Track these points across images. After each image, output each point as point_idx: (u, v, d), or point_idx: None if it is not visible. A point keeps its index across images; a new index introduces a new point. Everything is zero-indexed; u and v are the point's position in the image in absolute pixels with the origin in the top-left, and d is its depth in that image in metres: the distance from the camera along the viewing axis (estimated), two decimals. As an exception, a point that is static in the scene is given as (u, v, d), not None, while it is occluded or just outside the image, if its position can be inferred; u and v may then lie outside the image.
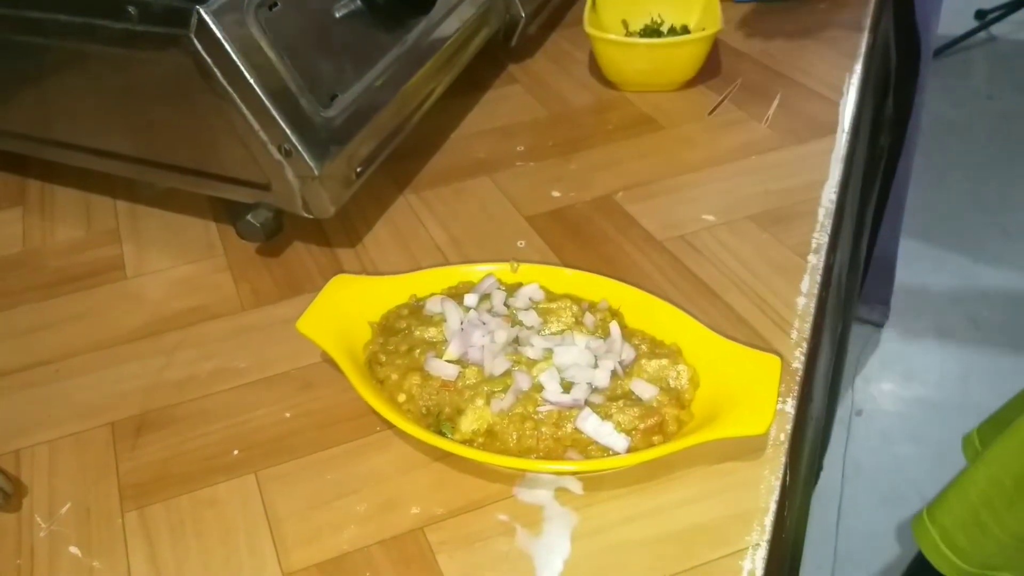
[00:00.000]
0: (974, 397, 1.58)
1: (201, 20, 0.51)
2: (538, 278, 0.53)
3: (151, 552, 0.43)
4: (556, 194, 0.66)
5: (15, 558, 0.44)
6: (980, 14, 2.60)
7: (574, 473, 0.44)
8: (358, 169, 0.59)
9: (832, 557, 1.34)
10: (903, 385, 1.62)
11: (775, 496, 0.44)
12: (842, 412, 1.55)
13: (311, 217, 0.58)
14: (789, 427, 0.47)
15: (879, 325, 1.70)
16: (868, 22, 0.86)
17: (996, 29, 2.61)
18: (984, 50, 2.58)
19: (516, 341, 0.48)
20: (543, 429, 0.44)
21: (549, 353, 0.47)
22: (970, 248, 1.87)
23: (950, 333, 1.70)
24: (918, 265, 1.81)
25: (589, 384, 0.46)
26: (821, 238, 0.60)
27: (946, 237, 1.89)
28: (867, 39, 0.83)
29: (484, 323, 0.49)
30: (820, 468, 1.27)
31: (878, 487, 1.45)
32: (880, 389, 1.62)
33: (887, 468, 1.48)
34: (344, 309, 0.51)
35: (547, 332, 0.49)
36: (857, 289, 1.28)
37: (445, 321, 0.49)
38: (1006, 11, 2.56)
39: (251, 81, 0.52)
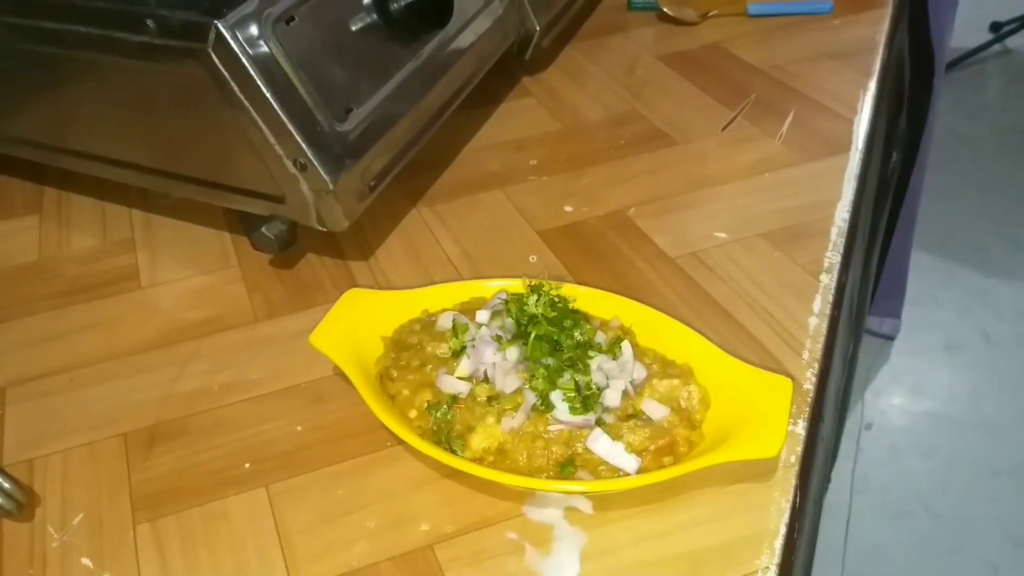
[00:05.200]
0: (984, 412, 1.57)
1: (219, 34, 0.51)
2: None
3: (162, 564, 0.44)
4: (568, 209, 0.67)
5: (27, 568, 0.44)
6: (995, 26, 2.59)
7: (584, 493, 0.44)
8: (372, 183, 0.59)
9: (840, 571, 1.33)
10: (913, 399, 1.61)
11: (785, 518, 0.44)
12: (851, 425, 1.54)
13: (325, 230, 0.58)
14: (800, 449, 0.47)
15: (890, 338, 1.69)
16: (883, 38, 0.86)
17: (1011, 42, 2.60)
18: (999, 63, 2.58)
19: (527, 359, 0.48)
20: (553, 448, 0.44)
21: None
22: (982, 262, 1.86)
23: (961, 347, 1.69)
24: (929, 278, 1.80)
25: (600, 403, 0.46)
26: (833, 257, 0.60)
27: (958, 250, 1.88)
28: (882, 56, 0.83)
29: (496, 340, 0.49)
30: (828, 481, 1.26)
31: (887, 501, 1.44)
32: (890, 403, 1.61)
33: (896, 482, 1.47)
34: (356, 323, 0.51)
35: (558, 350, 0.49)
36: (868, 304, 1.28)
37: (456, 337, 0.49)
38: (1022, 24, 2.55)
39: (267, 95, 0.53)
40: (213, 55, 0.52)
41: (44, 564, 0.44)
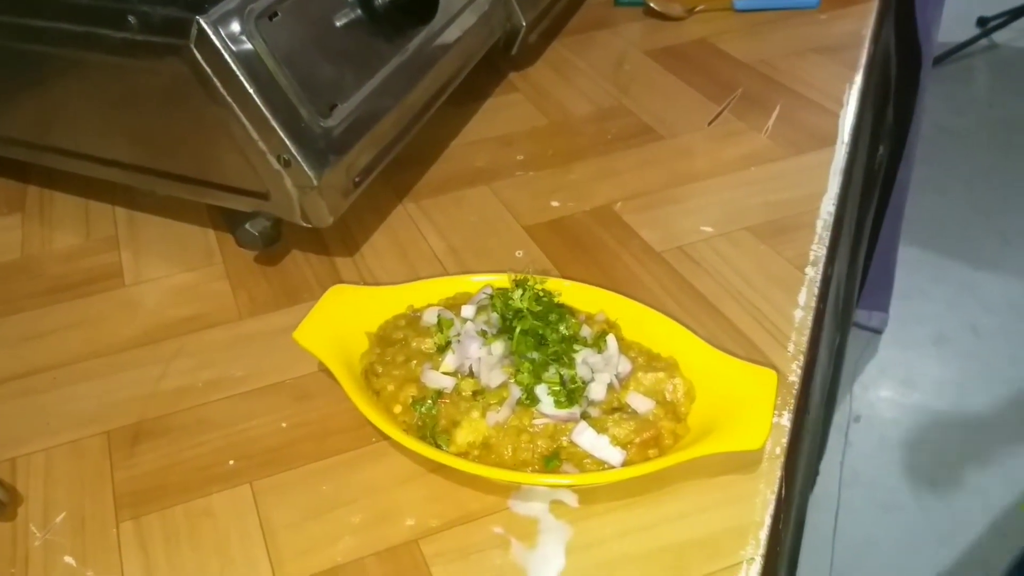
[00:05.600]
0: (972, 404, 1.58)
1: (201, 30, 0.51)
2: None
3: (146, 562, 0.43)
4: (555, 204, 0.66)
5: (9, 567, 0.44)
6: (982, 21, 2.60)
7: (569, 486, 0.44)
8: (357, 178, 0.59)
9: (829, 565, 1.34)
10: (901, 392, 1.62)
11: (770, 510, 0.44)
12: (840, 419, 1.55)
13: (310, 226, 0.58)
14: (785, 440, 0.47)
15: (878, 332, 1.70)
16: (869, 32, 0.86)
17: (998, 36, 2.61)
18: (986, 57, 2.59)
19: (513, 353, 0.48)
20: (538, 442, 0.44)
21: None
22: (970, 255, 1.87)
23: (949, 340, 1.70)
24: (917, 272, 1.81)
25: (585, 397, 0.46)
26: (819, 250, 0.60)
27: (946, 244, 1.89)
28: (868, 50, 0.83)
29: (481, 335, 0.49)
30: (816, 474, 1.27)
31: (876, 494, 1.45)
32: (878, 396, 1.62)
33: (885, 475, 1.48)
34: (341, 319, 0.51)
35: (544, 344, 0.49)
36: (855, 297, 1.28)
37: (441, 332, 0.49)
38: (1008, 19, 2.56)
39: (250, 91, 0.52)
40: (195, 51, 0.52)
41: (27, 563, 0.44)
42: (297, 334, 0.50)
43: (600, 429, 0.44)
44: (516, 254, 0.62)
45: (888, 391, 1.63)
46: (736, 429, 0.43)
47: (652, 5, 0.92)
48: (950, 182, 2.06)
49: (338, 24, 0.59)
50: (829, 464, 1.46)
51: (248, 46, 0.52)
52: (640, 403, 0.46)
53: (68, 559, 0.44)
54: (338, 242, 0.64)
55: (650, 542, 0.43)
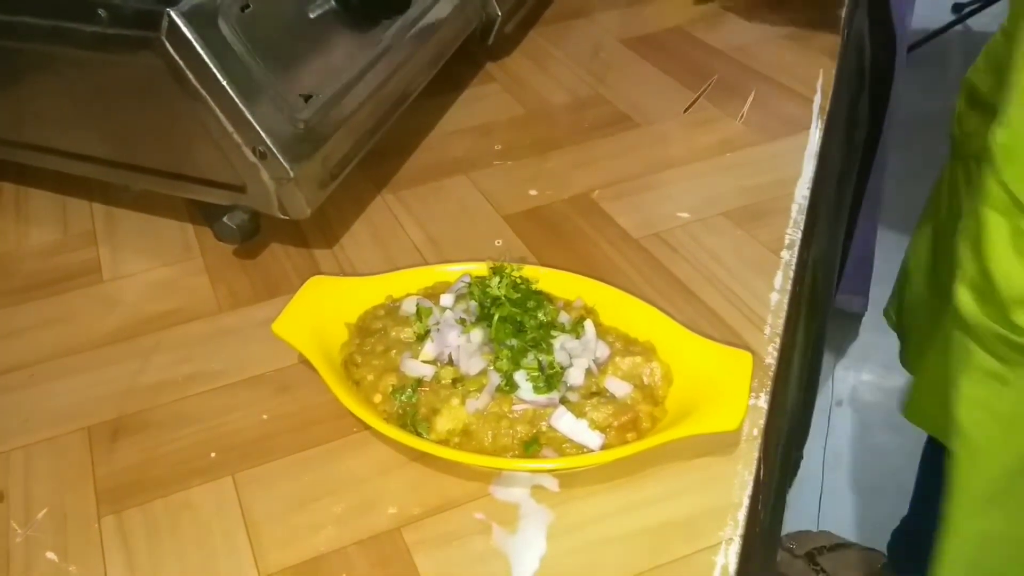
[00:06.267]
0: (953, 387, 1.59)
1: (172, 22, 0.51)
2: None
3: (128, 557, 0.43)
4: (533, 192, 0.67)
5: (-9, 564, 0.44)
6: (957, 7, 2.62)
7: (549, 471, 0.45)
8: (334, 170, 0.59)
9: (814, 547, 1.35)
10: (883, 375, 1.64)
11: (748, 491, 0.44)
12: (822, 403, 1.56)
13: (288, 218, 0.58)
14: (762, 422, 0.48)
15: (859, 315, 1.71)
16: (842, 18, 0.87)
17: (973, 22, 2.63)
18: (961, 43, 2.60)
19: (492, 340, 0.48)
20: (518, 428, 0.44)
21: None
22: (948, 239, 1.89)
23: (929, 324, 1.72)
24: (897, 256, 1.81)
25: (564, 382, 0.46)
26: (794, 234, 0.60)
27: (924, 229, 1.90)
28: (841, 35, 0.84)
29: (460, 323, 0.49)
30: (800, 459, 1.28)
31: (859, 477, 1.46)
32: (860, 379, 1.63)
33: (868, 458, 1.49)
34: (320, 310, 0.51)
35: (522, 331, 0.49)
36: (835, 282, 1.29)
37: (420, 321, 0.49)
38: (983, 4, 2.58)
39: (224, 83, 0.52)
40: (167, 43, 0.51)
41: (8, 559, 0.44)
42: (276, 326, 0.50)
43: (579, 414, 0.45)
44: (495, 243, 0.62)
45: (870, 374, 1.64)
46: (713, 410, 0.44)
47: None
48: (928, 167, 2.07)
49: (312, 15, 0.59)
50: (812, 448, 1.48)
51: (220, 37, 0.52)
52: (618, 387, 0.46)
53: (50, 555, 0.44)
54: (317, 234, 0.64)
55: (630, 524, 0.43)
